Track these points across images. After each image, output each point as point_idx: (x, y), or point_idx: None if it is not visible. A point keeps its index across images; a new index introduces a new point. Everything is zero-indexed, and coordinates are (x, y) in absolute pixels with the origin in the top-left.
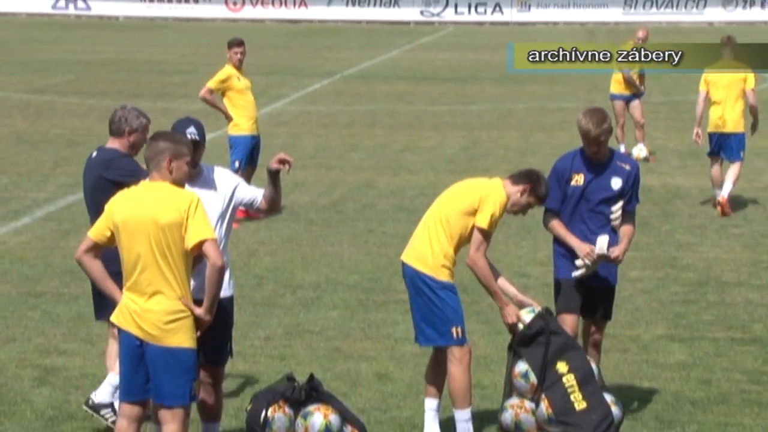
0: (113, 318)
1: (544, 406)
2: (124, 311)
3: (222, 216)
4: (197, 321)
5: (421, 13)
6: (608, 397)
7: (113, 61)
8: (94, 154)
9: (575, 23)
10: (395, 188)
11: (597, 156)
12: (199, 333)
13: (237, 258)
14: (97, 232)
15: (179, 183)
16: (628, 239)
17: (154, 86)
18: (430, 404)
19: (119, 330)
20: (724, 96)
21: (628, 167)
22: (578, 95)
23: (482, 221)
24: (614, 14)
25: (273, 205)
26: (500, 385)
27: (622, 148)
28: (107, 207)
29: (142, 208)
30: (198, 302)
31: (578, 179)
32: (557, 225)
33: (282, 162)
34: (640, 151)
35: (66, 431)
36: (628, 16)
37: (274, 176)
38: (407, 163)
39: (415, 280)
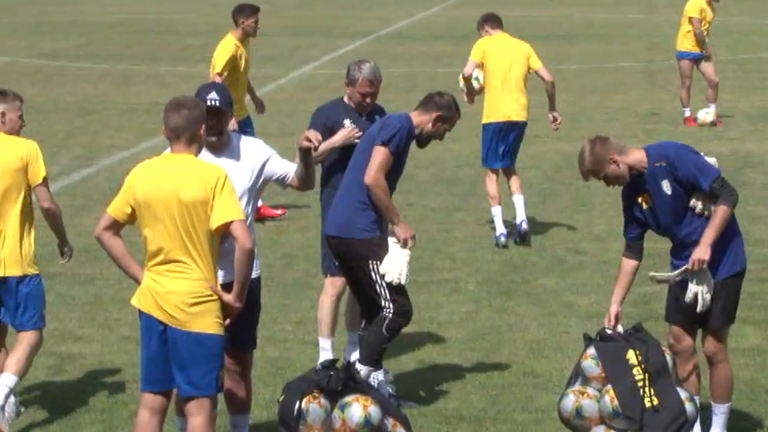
0: (133, 301)
1: (608, 398)
2: (146, 293)
3: (250, 191)
4: (226, 308)
5: None
6: (683, 394)
7: (127, 22)
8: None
9: None
10: (435, 158)
11: (623, 181)
12: (228, 321)
13: (265, 236)
14: (117, 208)
15: (200, 151)
16: (712, 228)
17: (172, 49)
18: None
19: (140, 314)
20: None
21: (663, 163)
22: (637, 54)
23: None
24: None
25: (305, 183)
26: (556, 374)
27: (687, 112)
28: (127, 181)
29: (165, 183)
30: (224, 286)
31: (645, 200)
32: (621, 267)
33: (309, 140)
34: (707, 114)
35: (84, 423)
36: None
37: (304, 154)
38: None
39: (520, 131)
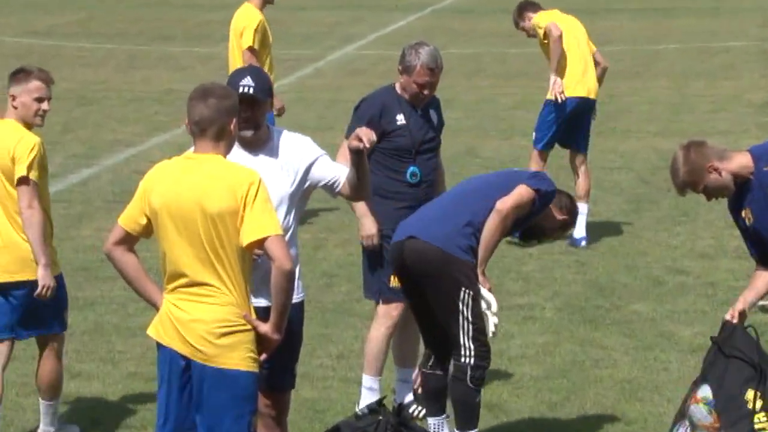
0: (150, 331)
1: None
2: (165, 321)
3: (291, 198)
4: (262, 340)
5: None
6: None
7: None
8: None
9: None
10: (506, 157)
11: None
12: (264, 356)
13: (300, 251)
14: (129, 218)
15: (230, 150)
16: None
17: (189, 26)
18: None
19: (158, 346)
20: None
21: None
22: (748, 31)
23: None
24: None
25: (357, 191)
26: (652, 419)
27: None
28: (142, 186)
29: (187, 190)
30: (258, 312)
31: (747, 215)
32: (751, 277)
33: (360, 139)
34: None
35: None
36: None
37: (356, 157)
38: (521, 123)
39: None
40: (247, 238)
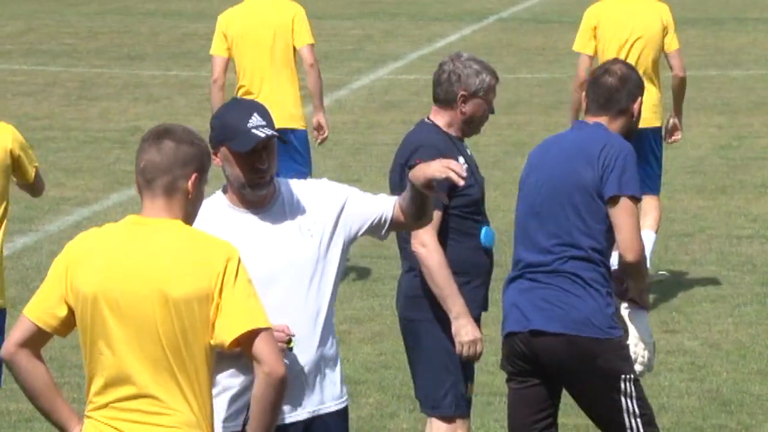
0: None
1: None
2: None
3: (318, 268)
4: None
5: None
6: None
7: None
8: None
9: None
10: None
11: None
12: None
13: None
14: (42, 309)
15: (192, 219)
16: None
17: (162, 41)
18: None
19: None
20: None
21: None
22: None
23: None
24: None
25: (418, 217)
26: None
27: None
28: (61, 261)
29: (138, 268)
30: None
31: None
32: None
33: (430, 187)
34: None
35: None
36: None
37: (419, 195)
38: None
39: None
40: (230, 332)
